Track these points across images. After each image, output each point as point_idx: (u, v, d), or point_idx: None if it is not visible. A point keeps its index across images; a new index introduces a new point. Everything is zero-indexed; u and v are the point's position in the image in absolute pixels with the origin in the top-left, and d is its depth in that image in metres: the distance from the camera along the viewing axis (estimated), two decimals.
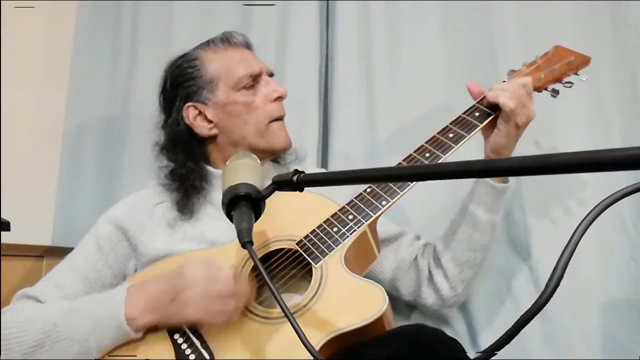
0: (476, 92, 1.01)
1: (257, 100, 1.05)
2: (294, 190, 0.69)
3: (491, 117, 0.97)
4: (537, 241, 1.16)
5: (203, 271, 0.82)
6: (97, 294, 0.91)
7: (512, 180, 1.19)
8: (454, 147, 0.94)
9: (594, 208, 0.45)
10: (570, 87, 1.04)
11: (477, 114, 0.98)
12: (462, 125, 0.97)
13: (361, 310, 0.77)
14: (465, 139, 0.95)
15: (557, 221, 1.16)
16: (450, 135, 0.95)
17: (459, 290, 1.05)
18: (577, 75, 1.04)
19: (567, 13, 1.23)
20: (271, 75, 1.10)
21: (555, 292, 0.47)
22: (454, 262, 1.03)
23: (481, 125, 0.97)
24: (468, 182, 1.18)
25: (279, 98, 1.07)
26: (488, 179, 1.00)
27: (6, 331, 0.85)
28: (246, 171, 0.77)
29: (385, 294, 0.78)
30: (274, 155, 1.11)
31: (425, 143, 0.96)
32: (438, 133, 0.97)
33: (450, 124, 0.98)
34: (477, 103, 1.00)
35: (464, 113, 0.99)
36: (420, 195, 1.19)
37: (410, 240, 1.10)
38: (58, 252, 1.45)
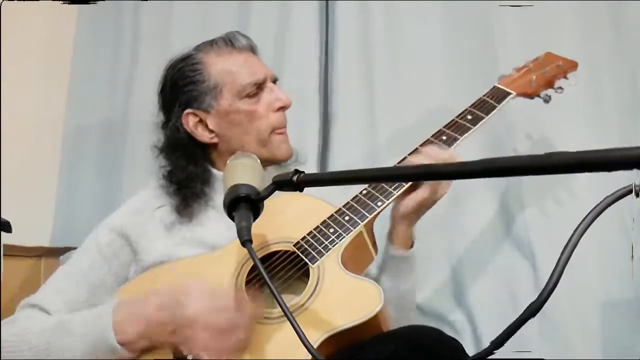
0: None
1: (259, 109, 1.02)
2: (294, 190, 0.69)
3: (484, 120, 0.98)
4: (538, 240, 1.16)
5: (206, 304, 0.79)
6: (87, 312, 0.88)
7: (513, 180, 1.19)
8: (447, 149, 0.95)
9: (593, 209, 0.45)
10: (561, 92, 1.06)
11: (469, 117, 0.99)
12: (455, 128, 0.98)
13: (357, 308, 0.77)
14: (459, 141, 0.96)
15: (557, 220, 1.16)
16: (444, 137, 0.97)
17: None
18: (566, 79, 1.06)
19: (567, 13, 1.23)
20: (275, 80, 1.07)
21: (556, 292, 0.47)
22: None
23: (474, 128, 0.97)
24: (466, 189, 1.19)
25: (282, 108, 1.04)
26: (389, 245, 0.97)
27: (5, 344, 0.84)
28: (245, 171, 0.77)
29: (382, 293, 0.78)
30: (274, 164, 1.09)
31: (420, 146, 0.97)
32: (432, 136, 0.98)
33: (444, 127, 0.99)
34: (470, 107, 1.01)
35: (457, 116, 1.00)
36: None
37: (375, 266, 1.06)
38: (57, 253, 1.46)
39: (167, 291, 0.82)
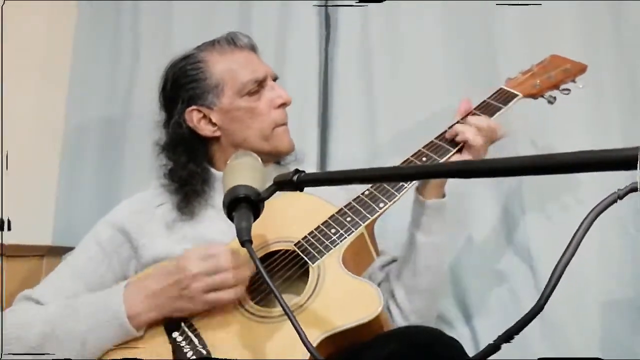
0: (463, 110, 1.01)
1: (260, 106, 1.04)
2: (295, 190, 0.70)
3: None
4: (537, 241, 1.16)
5: (197, 253, 0.84)
6: (95, 293, 0.91)
7: (513, 180, 1.19)
8: (451, 150, 0.95)
9: (592, 209, 0.45)
10: (567, 94, 1.05)
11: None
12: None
13: (357, 309, 0.77)
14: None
15: (557, 221, 1.16)
16: (448, 138, 0.97)
17: (411, 320, 0.99)
18: (574, 82, 1.05)
19: (567, 12, 1.23)
20: (275, 79, 1.09)
21: (556, 292, 0.47)
22: (402, 289, 0.99)
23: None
24: (467, 187, 1.18)
25: (283, 105, 1.06)
26: (421, 197, 0.97)
27: (8, 335, 0.86)
28: (246, 171, 0.78)
29: (381, 294, 0.78)
30: (277, 158, 1.10)
31: (423, 147, 0.97)
32: (436, 138, 0.98)
33: (449, 129, 0.98)
34: (475, 108, 1.01)
35: (460, 120, 1.00)
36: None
37: (373, 269, 1.05)
38: (58, 252, 1.46)
39: (170, 263, 0.87)
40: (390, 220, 1.14)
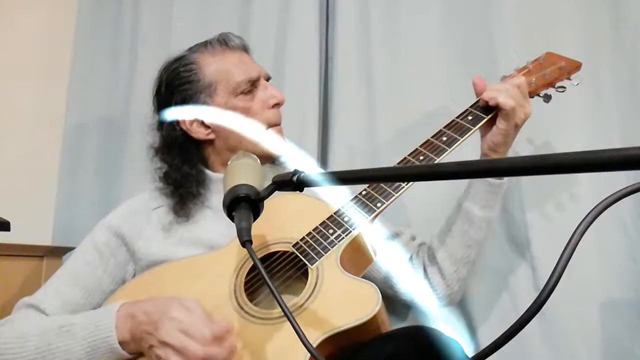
0: (480, 87, 1.02)
1: (254, 106, 1.03)
2: (294, 190, 0.69)
3: (484, 120, 0.98)
4: (537, 240, 1.16)
5: (180, 332, 0.76)
6: (89, 313, 0.88)
7: (513, 180, 1.19)
8: (447, 149, 0.95)
9: (593, 209, 0.45)
10: (563, 91, 1.05)
11: (470, 117, 0.99)
12: (455, 129, 0.98)
13: (356, 309, 0.77)
14: (459, 142, 0.96)
15: (556, 220, 1.16)
16: (444, 138, 0.97)
17: (455, 289, 1.05)
18: (570, 80, 1.05)
19: (567, 12, 1.23)
20: (268, 79, 1.09)
21: (556, 292, 0.47)
22: (449, 259, 1.02)
23: (474, 129, 0.98)
24: (466, 182, 1.18)
25: (277, 105, 1.06)
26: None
27: (3, 345, 0.84)
28: (246, 172, 0.78)
29: (379, 294, 0.78)
30: (271, 160, 1.10)
31: (420, 146, 0.97)
32: (432, 137, 0.98)
33: (444, 127, 0.99)
34: (470, 107, 1.01)
35: (457, 117, 1.00)
36: (419, 196, 1.19)
37: (406, 239, 1.10)
38: (59, 253, 1.46)
39: (158, 304, 0.81)
40: (389, 218, 1.15)
